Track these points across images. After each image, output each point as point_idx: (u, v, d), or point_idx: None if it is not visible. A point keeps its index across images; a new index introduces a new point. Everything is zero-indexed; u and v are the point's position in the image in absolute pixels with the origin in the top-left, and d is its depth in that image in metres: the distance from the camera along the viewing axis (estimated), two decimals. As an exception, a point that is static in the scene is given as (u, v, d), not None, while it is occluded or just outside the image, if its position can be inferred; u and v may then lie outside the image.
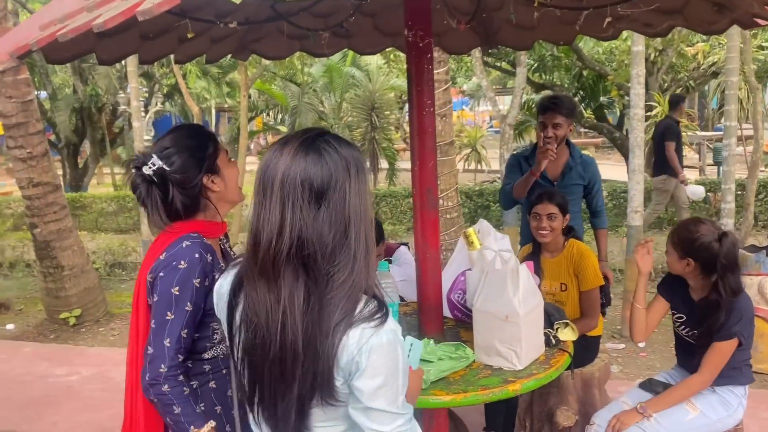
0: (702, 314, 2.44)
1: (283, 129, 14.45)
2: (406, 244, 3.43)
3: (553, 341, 2.29)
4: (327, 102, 13.63)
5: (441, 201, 5.22)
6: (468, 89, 21.87)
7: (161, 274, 1.68)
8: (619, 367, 4.48)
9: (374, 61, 12.37)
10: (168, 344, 1.65)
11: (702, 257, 2.41)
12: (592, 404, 2.99)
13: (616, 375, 4.27)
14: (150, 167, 1.71)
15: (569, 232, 3.11)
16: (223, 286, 1.36)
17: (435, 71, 5.02)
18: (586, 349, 3.07)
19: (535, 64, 11.64)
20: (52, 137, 15.34)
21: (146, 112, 16.83)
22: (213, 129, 18.93)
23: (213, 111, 21.88)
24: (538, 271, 3.11)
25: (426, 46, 2.26)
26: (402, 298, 2.98)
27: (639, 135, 4.87)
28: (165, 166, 1.72)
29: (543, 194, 3.05)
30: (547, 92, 10.95)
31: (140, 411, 1.75)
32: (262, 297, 1.19)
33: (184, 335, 1.67)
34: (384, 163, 12.03)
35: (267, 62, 8.23)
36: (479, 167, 14.67)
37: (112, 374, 4.58)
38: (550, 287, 3.08)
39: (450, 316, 2.60)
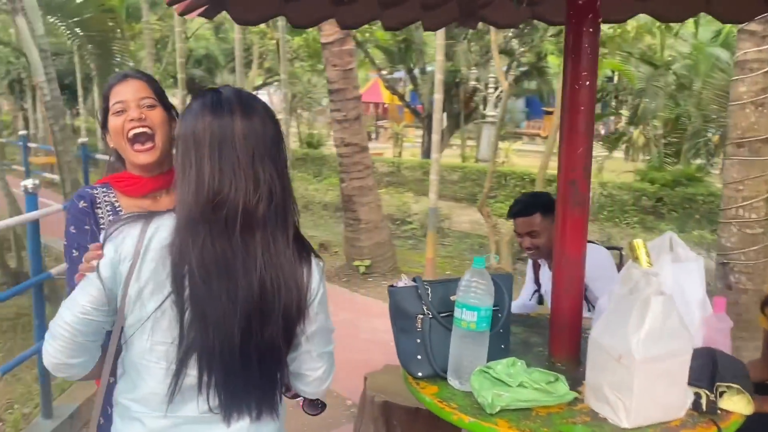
0: None
1: (625, 113, 13.34)
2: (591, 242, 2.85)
3: (704, 407, 1.68)
4: (690, 87, 12.08)
5: (741, 211, 4.22)
6: None
7: None
8: None
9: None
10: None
11: None
12: None
13: None
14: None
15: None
16: (118, 250, 1.27)
17: (757, 48, 4.05)
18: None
19: None
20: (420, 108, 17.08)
21: (496, 88, 17.36)
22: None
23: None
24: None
25: (588, 4, 1.81)
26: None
27: None
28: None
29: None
30: None
31: None
32: (228, 252, 1.23)
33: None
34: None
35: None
36: None
37: (360, 322, 4.96)
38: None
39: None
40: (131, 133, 1.63)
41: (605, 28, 7.33)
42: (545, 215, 2.75)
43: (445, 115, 16.89)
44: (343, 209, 6.85)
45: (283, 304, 1.27)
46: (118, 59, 7.08)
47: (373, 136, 27.82)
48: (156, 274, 1.24)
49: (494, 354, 1.86)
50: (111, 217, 1.65)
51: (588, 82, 1.85)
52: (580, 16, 1.84)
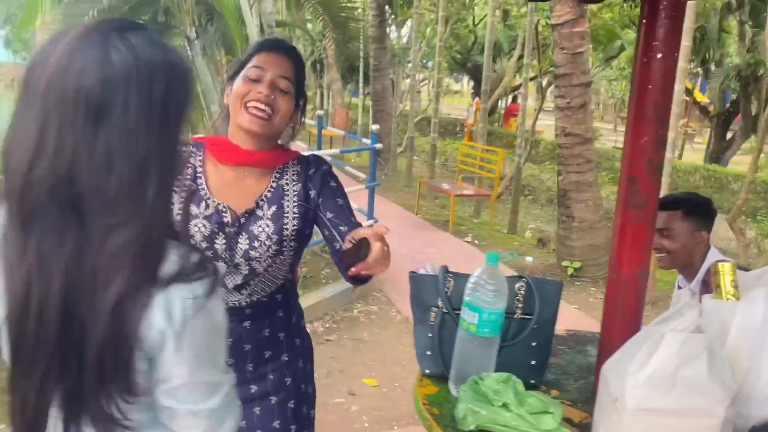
0: None
1: None
2: None
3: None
4: None
5: None
6: None
7: None
8: None
9: None
10: None
11: None
12: None
13: None
14: None
15: None
16: None
17: None
18: None
19: None
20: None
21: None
22: None
23: None
24: None
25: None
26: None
27: None
28: None
29: None
30: None
31: None
32: (13, 248, 0.87)
33: None
34: None
35: None
36: None
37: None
38: None
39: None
40: (250, 104, 1.48)
41: None
42: (688, 217, 2.26)
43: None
44: (558, 204, 6.43)
45: (77, 339, 0.86)
46: (351, 45, 7.49)
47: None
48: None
49: (519, 370, 1.61)
50: (188, 181, 1.49)
51: (660, 55, 1.46)
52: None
